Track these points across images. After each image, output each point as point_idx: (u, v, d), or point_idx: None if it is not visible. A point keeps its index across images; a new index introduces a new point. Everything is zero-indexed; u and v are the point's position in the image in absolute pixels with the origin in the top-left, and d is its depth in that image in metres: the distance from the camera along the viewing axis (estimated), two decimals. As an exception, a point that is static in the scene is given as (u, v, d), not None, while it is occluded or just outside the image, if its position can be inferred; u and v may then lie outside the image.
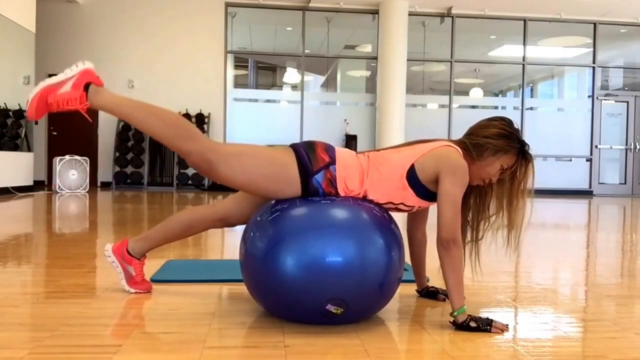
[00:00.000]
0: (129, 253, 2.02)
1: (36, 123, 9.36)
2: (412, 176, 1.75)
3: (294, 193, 1.72)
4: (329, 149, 1.77)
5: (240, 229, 1.85)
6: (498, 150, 1.81)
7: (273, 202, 1.76)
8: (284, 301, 1.64)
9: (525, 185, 1.84)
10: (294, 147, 1.77)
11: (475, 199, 1.93)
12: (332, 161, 1.73)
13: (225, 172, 1.70)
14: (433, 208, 1.85)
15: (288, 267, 1.59)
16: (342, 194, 1.74)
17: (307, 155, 1.72)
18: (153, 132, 1.73)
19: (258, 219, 1.74)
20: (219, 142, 1.76)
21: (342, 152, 1.78)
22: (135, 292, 2.05)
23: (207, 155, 1.69)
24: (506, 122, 1.85)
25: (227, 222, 1.99)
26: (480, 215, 1.92)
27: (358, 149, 9.87)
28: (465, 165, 1.74)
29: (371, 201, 1.77)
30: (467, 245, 1.93)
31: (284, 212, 1.67)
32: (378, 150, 1.86)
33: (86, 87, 1.73)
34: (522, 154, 1.84)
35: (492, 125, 1.84)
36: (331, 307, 1.60)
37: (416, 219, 2.07)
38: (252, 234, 1.72)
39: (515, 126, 1.87)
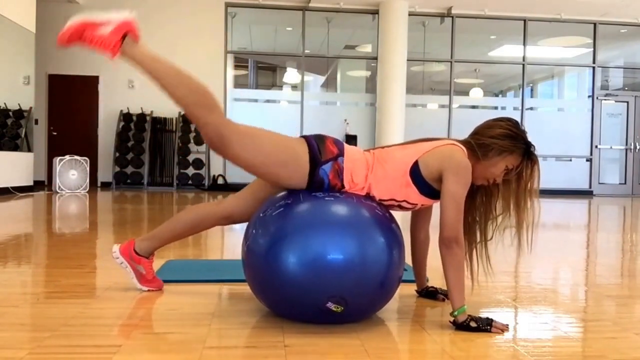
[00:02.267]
0: (136, 253, 2.03)
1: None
2: (415, 173, 1.76)
3: (301, 180, 1.72)
4: (338, 143, 1.79)
5: (240, 228, 1.85)
6: (503, 150, 1.81)
7: (275, 198, 1.76)
8: (285, 298, 1.64)
9: (532, 186, 1.84)
10: (305, 137, 1.79)
11: (482, 199, 1.92)
12: (341, 153, 1.75)
13: (237, 150, 1.69)
14: (436, 208, 1.85)
15: (289, 264, 1.59)
16: (347, 186, 1.74)
17: (318, 146, 1.74)
18: (176, 94, 1.72)
19: (261, 215, 1.74)
20: (235, 122, 1.75)
21: (350, 147, 1.81)
22: (148, 290, 2.08)
23: (222, 130, 1.68)
24: (512, 123, 1.85)
25: (231, 220, 2.00)
26: (487, 215, 1.92)
27: (358, 149, 9.84)
28: (468, 165, 1.74)
29: (374, 199, 1.78)
30: (476, 246, 1.92)
31: (287, 209, 1.68)
32: (383, 148, 1.87)
33: (124, 36, 1.74)
34: (527, 155, 1.83)
35: (498, 125, 1.84)
36: (331, 305, 1.60)
37: (419, 219, 2.07)
38: (254, 230, 1.72)
39: (522, 127, 1.87)
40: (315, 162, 1.72)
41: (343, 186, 1.75)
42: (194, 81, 1.74)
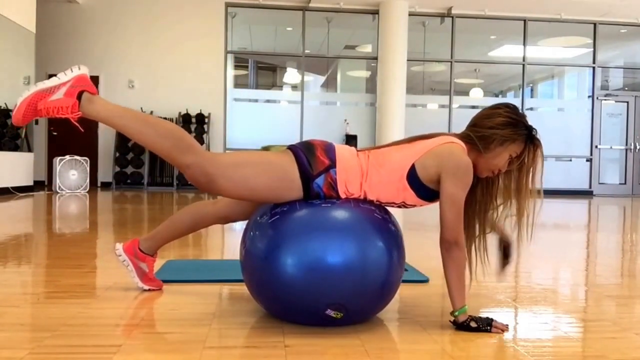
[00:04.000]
0: (141, 251, 2.04)
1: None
2: (412, 177, 1.70)
3: (296, 197, 1.68)
4: (329, 151, 1.71)
5: (240, 229, 1.84)
6: (505, 140, 1.74)
7: (274, 204, 1.73)
8: (284, 305, 1.64)
9: (535, 171, 1.77)
10: (293, 150, 1.72)
11: (482, 190, 1.85)
12: (333, 164, 1.68)
13: (225, 185, 1.64)
14: (435, 207, 1.85)
15: (288, 271, 1.58)
16: (343, 196, 1.69)
17: (307, 159, 1.68)
18: (149, 143, 1.65)
19: (258, 219, 1.72)
20: (216, 153, 1.70)
21: (342, 153, 1.73)
22: (149, 290, 2.08)
23: (205, 168, 1.62)
24: (511, 109, 1.78)
25: (229, 220, 1.99)
26: (487, 207, 1.85)
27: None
28: (468, 163, 1.68)
29: (372, 202, 1.73)
30: (475, 240, 1.86)
31: (284, 216, 1.65)
32: (379, 148, 1.79)
33: (79, 95, 1.63)
34: (530, 140, 1.77)
35: (497, 113, 1.76)
36: (331, 312, 1.60)
37: None
38: (251, 237, 1.70)
39: (521, 112, 1.80)
40: (307, 177, 1.66)
41: (339, 196, 1.69)
42: (164, 126, 1.66)
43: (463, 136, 1.79)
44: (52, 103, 1.62)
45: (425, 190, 1.73)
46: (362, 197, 1.73)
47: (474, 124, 1.80)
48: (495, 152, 1.75)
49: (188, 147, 1.64)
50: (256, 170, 1.66)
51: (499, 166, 1.77)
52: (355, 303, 1.61)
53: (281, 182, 1.66)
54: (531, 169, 1.77)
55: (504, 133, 1.74)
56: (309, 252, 1.58)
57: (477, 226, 1.86)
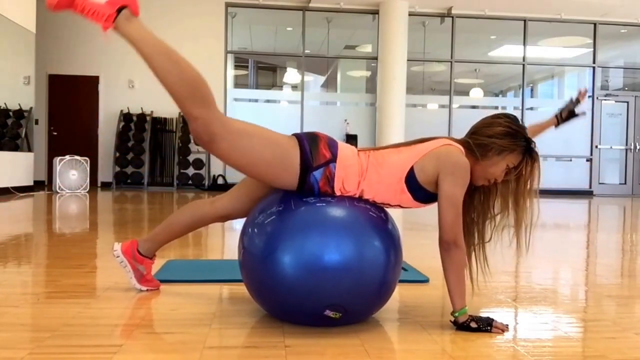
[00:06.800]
0: (140, 253, 2.03)
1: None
2: (411, 179, 1.71)
3: (290, 183, 1.67)
4: (332, 145, 1.70)
5: (240, 227, 1.84)
6: (503, 149, 1.75)
7: (267, 203, 1.73)
8: (282, 305, 1.64)
9: (532, 184, 1.79)
10: (298, 137, 1.70)
11: (480, 198, 1.87)
12: (333, 158, 1.68)
13: (226, 149, 1.62)
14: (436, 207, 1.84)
15: (285, 272, 1.58)
16: (337, 193, 1.69)
17: (310, 149, 1.67)
18: (167, 82, 1.60)
19: (255, 219, 1.71)
20: (228, 117, 1.67)
21: (344, 150, 1.72)
22: (147, 290, 2.08)
23: (212, 127, 1.59)
24: (511, 120, 1.79)
25: (228, 218, 1.99)
26: (485, 215, 1.86)
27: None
28: (466, 163, 1.70)
29: (367, 201, 1.73)
30: (474, 248, 1.87)
31: (280, 215, 1.65)
32: (379, 150, 1.79)
33: (120, 9, 1.59)
34: (528, 152, 1.78)
35: (496, 123, 1.78)
36: (329, 313, 1.60)
37: None
38: (248, 237, 1.70)
39: (521, 123, 1.81)
40: (306, 166, 1.65)
41: (334, 192, 1.69)
42: (189, 72, 1.62)
43: (461, 142, 1.80)
44: (92, 4, 1.57)
45: (422, 192, 1.73)
46: (357, 195, 1.72)
47: (474, 132, 1.82)
48: (492, 160, 1.77)
49: (203, 99, 1.60)
50: (261, 144, 1.64)
51: (495, 175, 1.78)
52: (353, 303, 1.62)
53: (281, 162, 1.64)
54: (529, 181, 1.79)
55: (503, 142, 1.75)
56: (305, 252, 1.58)
57: (476, 235, 1.88)
